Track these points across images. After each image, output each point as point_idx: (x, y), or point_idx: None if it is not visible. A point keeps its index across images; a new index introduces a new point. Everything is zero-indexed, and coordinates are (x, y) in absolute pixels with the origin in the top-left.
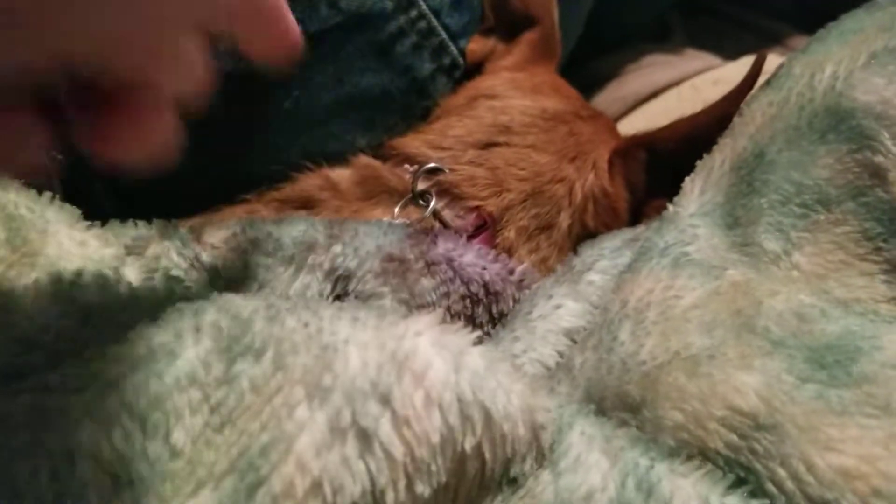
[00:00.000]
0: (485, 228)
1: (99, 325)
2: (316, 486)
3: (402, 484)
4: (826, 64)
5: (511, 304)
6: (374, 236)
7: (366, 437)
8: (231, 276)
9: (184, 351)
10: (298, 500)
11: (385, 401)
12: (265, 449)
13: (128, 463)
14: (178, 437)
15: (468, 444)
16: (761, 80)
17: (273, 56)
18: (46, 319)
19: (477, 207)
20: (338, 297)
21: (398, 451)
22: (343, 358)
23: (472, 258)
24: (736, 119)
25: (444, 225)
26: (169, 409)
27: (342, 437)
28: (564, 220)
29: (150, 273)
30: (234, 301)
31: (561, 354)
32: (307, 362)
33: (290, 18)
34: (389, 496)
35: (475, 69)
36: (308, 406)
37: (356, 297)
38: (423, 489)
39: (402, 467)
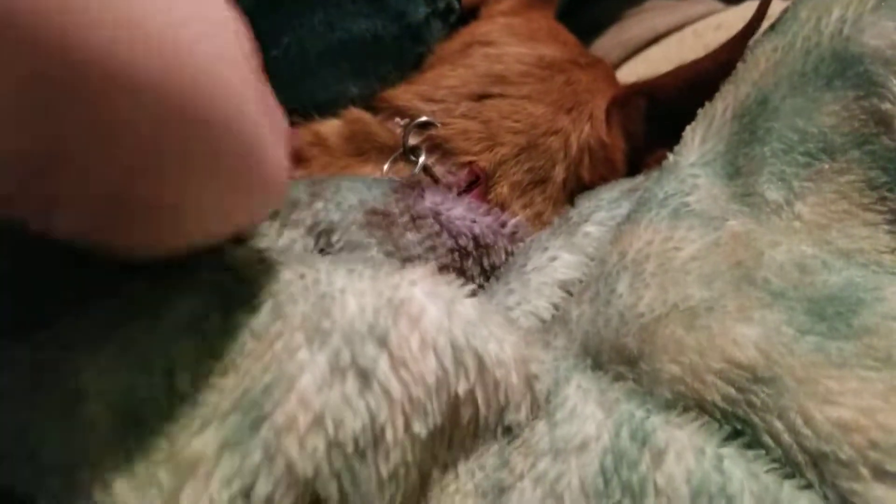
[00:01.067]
0: (477, 184)
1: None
2: (318, 420)
3: (400, 422)
4: (833, 7)
5: (503, 256)
6: (356, 191)
7: (365, 376)
8: None
9: (181, 303)
10: (301, 433)
11: (382, 342)
12: (268, 388)
13: (135, 403)
14: (183, 379)
15: (461, 389)
16: (765, 24)
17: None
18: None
19: (469, 163)
20: (321, 252)
21: (396, 389)
22: (340, 304)
23: (462, 211)
24: (739, 65)
25: (436, 181)
26: (174, 354)
27: (342, 376)
28: (559, 174)
29: None
30: (227, 254)
31: (556, 307)
32: (305, 310)
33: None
34: (389, 433)
35: (471, 13)
36: (308, 349)
37: (342, 248)
38: (419, 429)
39: (399, 406)
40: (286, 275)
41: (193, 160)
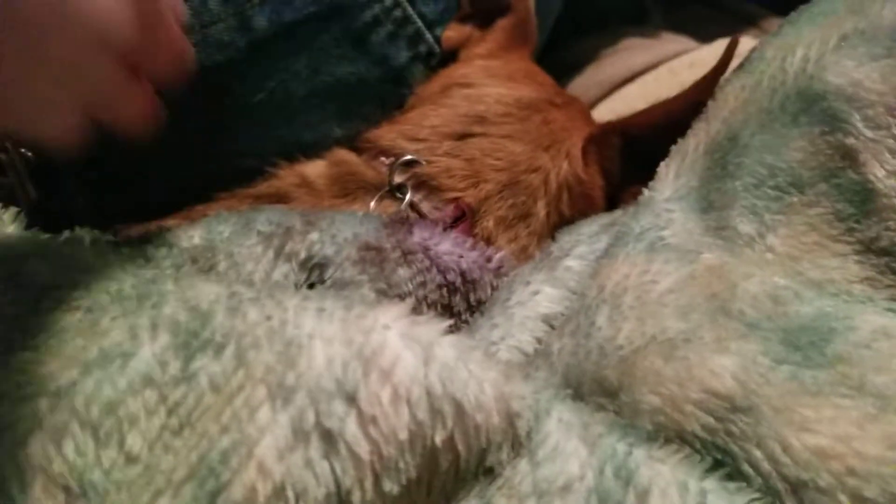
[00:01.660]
0: (463, 220)
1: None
2: (278, 491)
3: (368, 483)
4: (797, 47)
5: (489, 291)
6: (350, 225)
7: (330, 438)
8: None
9: (139, 350)
10: None
11: (351, 399)
12: (226, 453)
13: (80, 473)
14: (134, 442)
15: (439, 438)
16: (734, 63)
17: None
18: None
19: (455, 199)
20: (312, 286)
21: (364, 450)
22: (308, 354)
23: (449, 246)
24: (710, 103)
25: (422, 217)
26: (122, 415)
27: (306, 439)
28: (541, 209)
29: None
30: (195, 289)
31: (539, 341)
32: (270, 359)
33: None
34: (356, 496)
35: (451, 56)
36: (271, 407)
37: (333, 284)
38: (391, 487)
39: (368, 466)
40: (252, 314)
41: None
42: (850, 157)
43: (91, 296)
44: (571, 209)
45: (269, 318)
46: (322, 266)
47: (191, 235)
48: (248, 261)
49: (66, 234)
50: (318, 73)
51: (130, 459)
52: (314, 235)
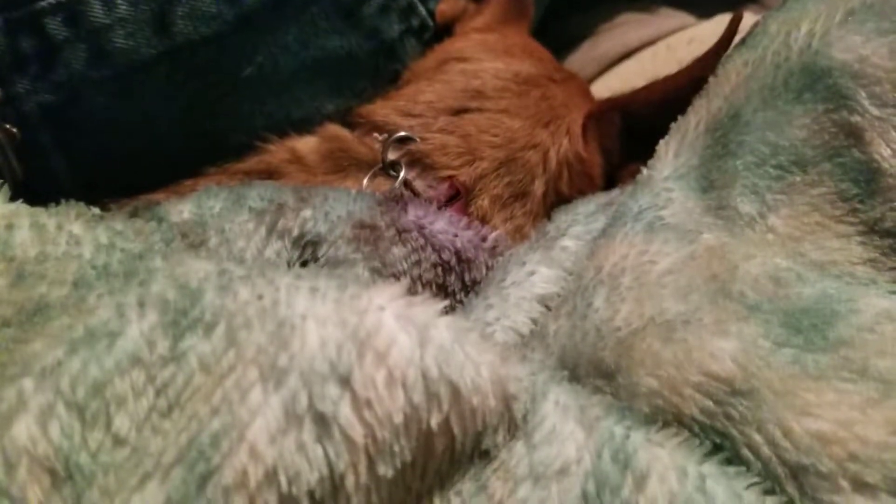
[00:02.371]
0: (458, 198)
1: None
2: (270, 476)
3: (362, 467)
4: (802, 22)
5: (484, 271)
6: (343, 202)
7: (324, 422)
8: (194, 241)
9: (126, 329)
10: (251, 491)
11: (345, 382)
12: (216, 437)
13: (66, 456)
14: (121, 423)
15: (434, 422)
16: (737, 39)
17: None
18: None
19: (449, 177)
20: (305, 264)
21: (358, 434)
22: (300, 335)
23: (444, 225)
24: (711, 79)
25: (416, 195)
26: (109, 396)
27: (298, 423)
28: (539, 188)
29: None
30: (184, 266)
31: (535, 321)
32: (261, 340)
33: None
34: (349, 480)
35: (446, 31)
36: (263, 389)
37: (326, 262)
38: (385, 470)
39: (362, 450)
40: (243, 293)
41: None
42: (855, 135)
43: (77, 271)
44: (570, 188)
45: (260, 297)
46: (315, 244)
47: (180, 210)
48: (239, 237)
49: (53, 206)
50: (307, 47)
51: (118, 442)
52: (307, 212)
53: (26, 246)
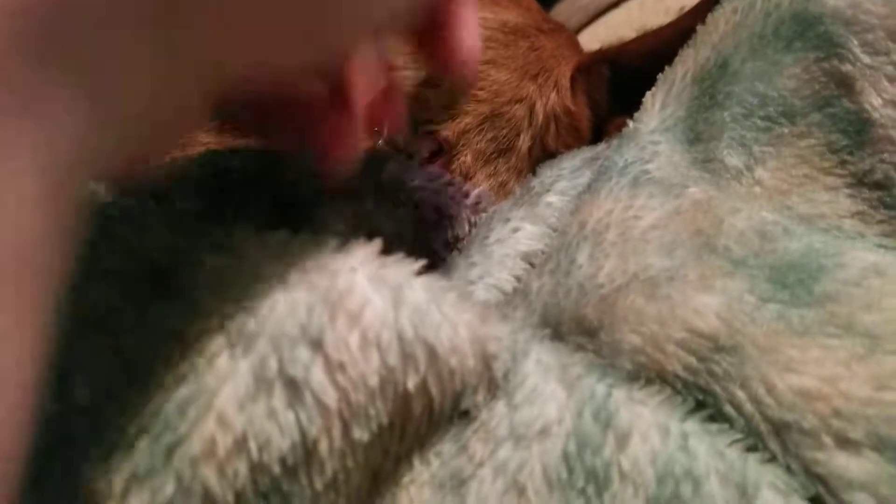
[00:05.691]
0: (440, 154)
1: None
2: (239, 444)
3: (337, 431)
4: None
5: (466, 228)
6: None
7: (295, 386)
8: None
9: (87, 291)
10: (220, 459)
11: (316, 346)
12: (183, 405)
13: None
14: (82, 392)
15: (411, 383)
16: None
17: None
18: None
19: (432, 132)
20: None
21: (331, 398)
22: (269, 299)
23: (423, 181)
24: (699, 27)
25: (398, 151)
26: (69, 362)
27: (268, 388)
28: (524, 143)
29: None
30: (151, 232)
31: (518, 279)
32: (228, 307)
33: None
34: (323, 445)
35: None
36: (230, 355)
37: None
38: (361, 434)
39: (336, 414)
40: (209, 259)
41: None
42: (845, 84)
43: None
44: (557, 142)
45: (227, 262)
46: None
47: None
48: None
49: None
50: None
51: (79, 411)
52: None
53: None
